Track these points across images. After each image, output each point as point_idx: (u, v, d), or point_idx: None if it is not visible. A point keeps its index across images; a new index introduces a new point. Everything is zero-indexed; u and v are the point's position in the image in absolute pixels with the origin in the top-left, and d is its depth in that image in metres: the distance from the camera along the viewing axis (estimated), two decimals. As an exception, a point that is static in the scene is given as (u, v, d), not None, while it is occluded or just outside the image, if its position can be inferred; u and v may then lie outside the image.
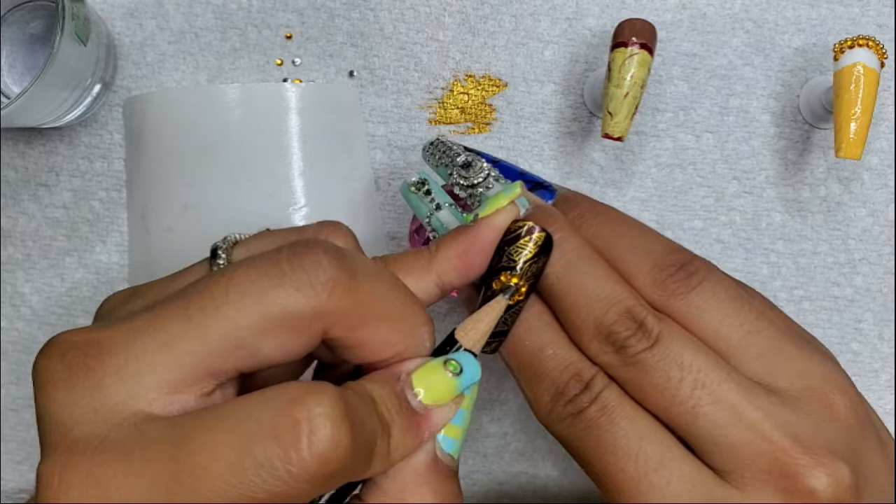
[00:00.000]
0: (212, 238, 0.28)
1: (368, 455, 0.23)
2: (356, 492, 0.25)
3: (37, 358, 0.22)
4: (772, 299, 0.43)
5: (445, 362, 0.25)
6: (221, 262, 0.26)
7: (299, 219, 0.40)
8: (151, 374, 0.21)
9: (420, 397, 0.24)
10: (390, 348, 0.25)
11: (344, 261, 0.23)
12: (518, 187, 0.29)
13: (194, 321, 0.22)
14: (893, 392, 0.44)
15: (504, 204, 0.28)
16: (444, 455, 0.26)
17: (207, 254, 0.27)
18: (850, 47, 0.35)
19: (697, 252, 0.43)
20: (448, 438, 0.26)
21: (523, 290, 0.28)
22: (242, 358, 0.22)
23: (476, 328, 0.27)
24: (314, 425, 0.20)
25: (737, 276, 0.43)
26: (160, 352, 0.22)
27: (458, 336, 0.27)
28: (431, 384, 0.25)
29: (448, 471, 0.26)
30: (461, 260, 0.27)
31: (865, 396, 0.30)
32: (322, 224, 0.27)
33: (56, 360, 0.22)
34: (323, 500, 0.24)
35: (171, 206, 0.40)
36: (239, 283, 0.22)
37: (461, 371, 0.25)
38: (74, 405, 0.21)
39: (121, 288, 0.42)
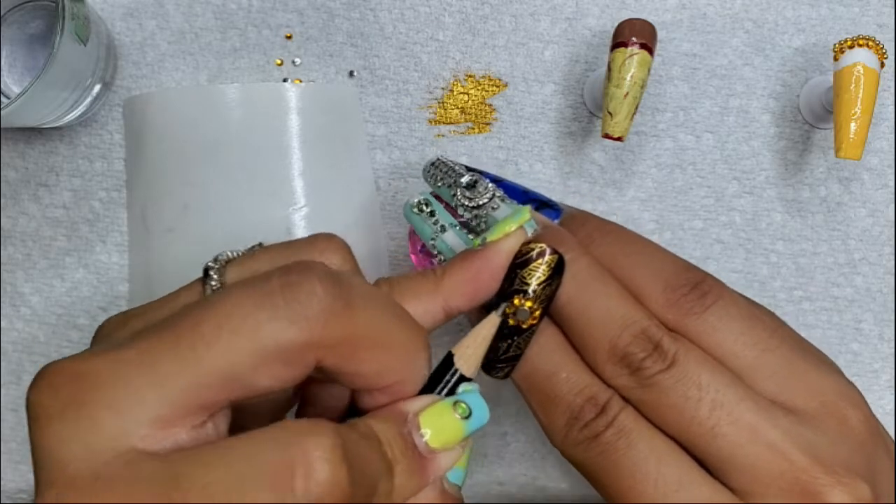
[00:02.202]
0: (212, 238, 0.28)
1: (368, 496, 0.22)
2: None
3: (28, 391, 0.22)
4: (772, 299, 0.43)
5: (455, 404, 0.25)
6: (214, 283, 0.25)
7: (299, 219, 0.40)
8: (143, 411, 0.21)
9: (426, 439, 0.24)
10: (387, 376, 0.24)
11: (339, 288, 0.22)
12: (527, 211, 0.28)
13: (185, 357, 0.21)
14: (893, 392, 0.44)
15: (513, 228, 0.28)
16: (451, 486, 0.25)
17: (208, 254, 0.27)
18: (850, 47, 0.35)
19: (697, 253, 0.43)
20: (455, 469, 0.25)
21: (537, 313, 0.28)
22: (234, 390, 0.22)
23: (475, 353, 0.27)
24: (311, 468, 0.20)
25: (737, 276, 0.43)
26: (152, 389, 0.21)
27: (457, 364, 0.26)
28: (440, 427, 0.24)
29: (454, 501, 0.25)
30: (469, 285, 0.27)
31: (865, 396, 0.30)
32: (315, 238, 0.27)
33: (47, 393, 0.22)
34: None
35: (171, 206, 0.40)
36: (231, 316, 0.21)
37: (470, 414, 0.25)
38: (69, 440, 0.21)
39: (121, 288, 0.42)
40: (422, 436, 0.24)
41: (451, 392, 0.26)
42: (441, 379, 0.26)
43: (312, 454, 0.20)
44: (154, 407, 0.21)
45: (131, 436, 0.21)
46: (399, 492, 0.23)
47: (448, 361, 0.26)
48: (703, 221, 0.42)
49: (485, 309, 0.29)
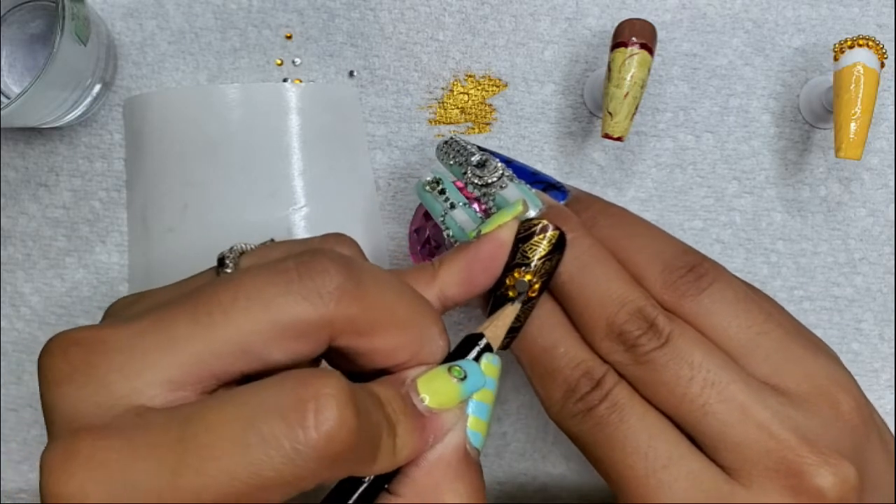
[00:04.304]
0: (212, 238, 0.28)
1: (374, 447, 0.23)
2: (387, 486, 0.25)
3: (40, 355, 0.23)
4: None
5: (450, 368, 0.25)
6: (229, 271, 0.26)
7: (299, 219, 0.40)
8: (155, 372, 0.22)
9: (426, 402, 0.25)
10: (403, 353, 0.25)
11: (351, 269, 0.23)
12: (521, 205, 0.29)
13: (201, 324, 0.22)
14: (893, 392, 0.44)
15: (507, 220, 0.29)
16: (472, 449, 0.26)
17: (208, 254, 0.27)
18: (850, 47, 0.35)
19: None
20: (476, 433, 0.26)
21: (536, 287, 0.29)
22: (248, 362, 0.22)
23: (500, 328, 0.28)
24: (320, 404, 0.21)
25: (737, 276, 0.43)
26: (165, 351, 0.22)
27: (487, 336, 0.27)
28: (436, 389, 0.25)
29: (476, 465, 0.26)
30: (462, 275, 0.28)
31: (865, 396, 0.30)
32: (327, 236, 0.28)
33: (59, 357, 0.22)
34: (355, 496, 0.24)
35: (171, 206, 0.40)
36: (247, 289, 0.22)
37: (465, 377, 0.25)
38: (77, 400, 0.22)
39: (121, 288, 0.42)
40: (421, 399, 0.25)
41: None
42: (464, 356, 0.27)
43: (322, 391, 0.21)
44: (165, 369, 0.22)
45: (141, 395, 0.22)
46: (402, 450, 0.24)
47: (469, 341, 0.27)
48: (703, 221, 0.42)
49: (489, 299, 0.29)
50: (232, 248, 0.27)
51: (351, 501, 0.24)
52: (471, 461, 0.26)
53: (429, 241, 0.38)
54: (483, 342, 0.27)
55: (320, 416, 0.20)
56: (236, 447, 0.20)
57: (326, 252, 0.24)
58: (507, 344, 0.30)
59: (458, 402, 0.25)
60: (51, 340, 0.23)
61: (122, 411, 0.21)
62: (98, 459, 0.21)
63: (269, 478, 0.20)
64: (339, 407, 0.21)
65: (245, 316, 0.22)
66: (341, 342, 0.24)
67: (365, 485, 0.24)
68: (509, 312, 0.28)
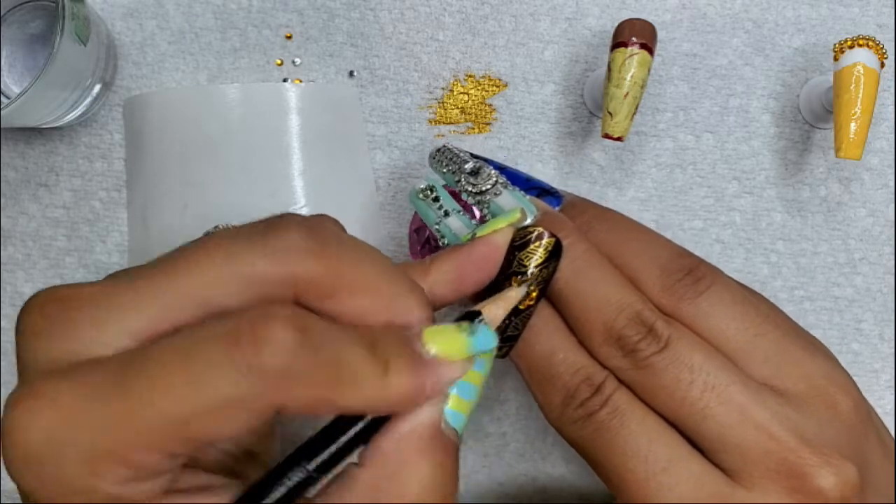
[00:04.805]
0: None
1: (340, 374, 0.22)
2: (354, 459, 0.24)
3: (20, 313, 0.23)
4: (772, 299, 0.43)
5: (458, 325, 0.25)
6: None
7: (299, 219, 0.40)
8: (123, 324, 0.22)
9: (432, 351, 0.24)
10: (372, 319, 0.24)
11: (315, 230, 0.24)
12: (518, 212, 0.29)
13: (168, 276, 0.23)
14: (893, 392, 0.44)
15: (503, 226, 0.29)
16: (449, 428, 0.25)
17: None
18: (850, 47, 0.35)
19: (697, 252, 0.43)
20: (456, 412, 0.25)
21: (534, 294, 0.29)
22: (210, 314, 0.23)
23: (500, 310, 0.28)
24: (263, 324, 0.21)
25: (737, 276, 0.43)
26: (132, 304, 0.23)
27: (484, 314, 0.27)
28: (443, 339, 0.24)
29: (451, 445, 0.25)
30: (453, 274, 0.28)
31: (865, 396, 0.30)
32: (310, 216, 0.28)
33: (36, 313, 0.23)
34: (346, 436, 0.24)
35: (171, 206, 0.40)
36: (213, 245, 0.23)
37: (474, 333, 0.25)
38: (49, 350, 0.22)
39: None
40: (427, 349, 0.24)
41: None
42: None
43: (267, 311, 0.21)
44: (132, 321, 0.22)
45: (108, 347, 0.22)
46: (395, 390, 0.23)
47: (466, 318, 0.26)
48: (703, 221, 0.42)
49: (479, 298, 0.29)
50: (216, 226, 0.27)
51: (339, 442, 0.24)
52: (446, 441, 0.25)
53: (429, 241, 0.38)
54: (480, 319, 0.26)
55: (261, 333, 0.21)
56: (180, 370, 0.21)
57: (294, 216, 0.24)
58: (505, 352, 0.30)
59: (466, 355, 0.24)
60: (30, 298, 0.23)
61: (85, 360, 0.22)
62: (57, 401, 0.21)
63: (214, 398, 0.20)
64: (283, 327, 0.21)
65: (209, 268, 0.23)
66: (305, 303, 0.23)
67: (358, 426, 0.24)
68: (513, 295, 0.28)
